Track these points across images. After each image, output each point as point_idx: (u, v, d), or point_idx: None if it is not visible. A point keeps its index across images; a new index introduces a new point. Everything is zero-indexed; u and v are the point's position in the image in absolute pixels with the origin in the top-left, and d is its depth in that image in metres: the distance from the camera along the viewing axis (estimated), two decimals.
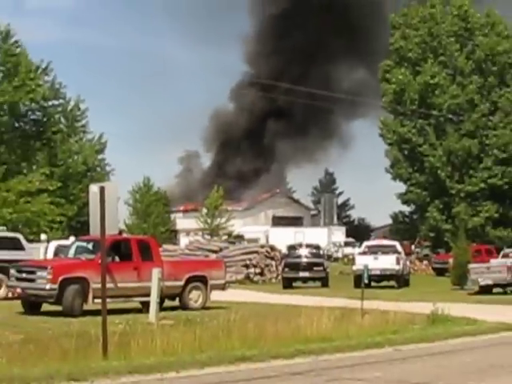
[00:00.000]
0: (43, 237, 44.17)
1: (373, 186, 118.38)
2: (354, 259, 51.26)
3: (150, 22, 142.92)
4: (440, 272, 56.15)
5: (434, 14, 68.42)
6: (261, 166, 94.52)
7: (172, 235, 75.60)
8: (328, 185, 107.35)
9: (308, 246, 51.68)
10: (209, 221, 74.60)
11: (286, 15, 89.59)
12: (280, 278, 48.29)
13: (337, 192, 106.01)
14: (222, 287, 30.38)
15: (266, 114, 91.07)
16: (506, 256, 45.18)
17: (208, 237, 67.55)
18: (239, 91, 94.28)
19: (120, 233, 29.43)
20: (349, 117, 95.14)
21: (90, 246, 28.03)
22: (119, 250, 27.25)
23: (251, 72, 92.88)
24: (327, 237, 77.71)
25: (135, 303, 26.07)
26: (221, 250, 52.87)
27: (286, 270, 47.62)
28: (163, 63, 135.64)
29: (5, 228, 41.47)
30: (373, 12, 78.37)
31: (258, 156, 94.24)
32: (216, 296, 29.14)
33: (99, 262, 20.01)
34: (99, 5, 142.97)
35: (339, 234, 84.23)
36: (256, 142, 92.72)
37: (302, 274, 46.88)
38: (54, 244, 37.21)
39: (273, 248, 55.71)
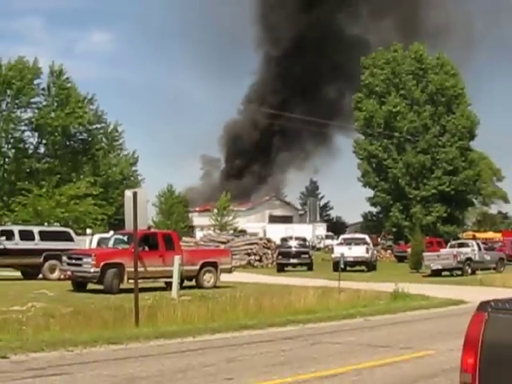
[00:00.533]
0: (88, 231, 44.21)
1: (347, 192, 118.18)
2: (332, 249, 51.30)
3: (172, 60, 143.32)
4: (400, 259, 56.04)
5: (396, 57, 68.52)
6: (265, 173, 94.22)
7: (189, 230, 75.31)
8: (312, 190, 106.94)
9: (297, 238, 51.66)
10: (219, 219, 74.43)
11: (287, 52, 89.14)
12: (275, 263, 48.26)
13: (319, 196, 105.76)
14: (229, 271, 30.36)
15: (271, 132, 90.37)
16: (452, 247, 45.18)
17: (218, 231, 67.41)
18: (248, 112, 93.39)
19: (149, 228, 29.43)
20: (338, 134, 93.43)
21: (125, 238, 28.00)
22: (148, 241, 27.20)
23: (257, 99, 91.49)
24: (312, 231, 77.56)
25: (161, 283, 26.05)
26: (228, 241, 52.77)
27: (280, 257, 47.63)
28: (182, 94, 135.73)
29: (58, 224, 41.61)
30: (359, 49, 76.66)
31: (264, 164, 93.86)
32: (224, 277, 29.14)
33: (132, 250, 19.98)
34: (133, 49, 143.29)
35: (321, 229, 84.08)
36: (262, 153, 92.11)
37: (292, 261, 46.88)
38: (97, 237, 37.17)
39: (269, 240, 55.58)
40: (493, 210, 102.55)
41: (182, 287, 24.56)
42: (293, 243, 49.66)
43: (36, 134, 59.81)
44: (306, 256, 47.25)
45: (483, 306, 4.96)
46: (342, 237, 53.77)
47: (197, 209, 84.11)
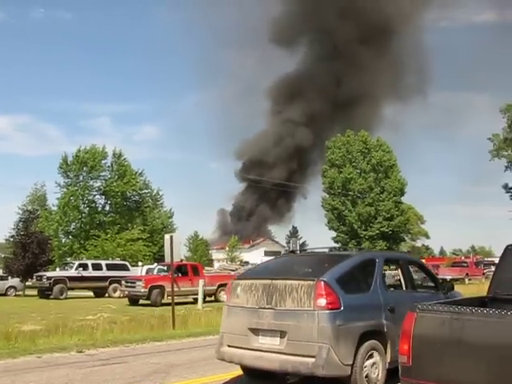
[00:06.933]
0: (140, 263, 43.88)
1: (318, 234, 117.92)
2: None
3: (197, 145, 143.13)
4: None
5: (349, 140, 68.89)
6: (261, 222, 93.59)
7: (210, 262, 74.55)
8: (294, 233, 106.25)
9: None
10: (230, 254, 73.93)
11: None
12: None
13: (299, 237, 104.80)
14: None
15: (260, 197, 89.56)
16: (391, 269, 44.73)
17: (229, 262, 66.86)
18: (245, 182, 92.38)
19: (181, 260, 29.29)
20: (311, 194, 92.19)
21: (165, 268, 27.88)
22: (181, 270, 27.10)
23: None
24: None
25: (190, 299, 25.81)
26: (236, 269, 52.37)
27: None
28: (202, 167, 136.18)
29: (118, 259, 41.33)
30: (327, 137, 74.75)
31: (259, 217, 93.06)
32: None
33: (170, 276, 19.86)
34: (170, 138, 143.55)
35: None
36: (256, 211, 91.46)
37: None
38: (145, 267, 37.06)
39: None
40: (418, 243, 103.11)
41: (204, 301, 24.34)
42: None
43: (103, 197, 59.77)
44: None
45: (413, 308, 4.94)
46: None
47: (214, 247, 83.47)
